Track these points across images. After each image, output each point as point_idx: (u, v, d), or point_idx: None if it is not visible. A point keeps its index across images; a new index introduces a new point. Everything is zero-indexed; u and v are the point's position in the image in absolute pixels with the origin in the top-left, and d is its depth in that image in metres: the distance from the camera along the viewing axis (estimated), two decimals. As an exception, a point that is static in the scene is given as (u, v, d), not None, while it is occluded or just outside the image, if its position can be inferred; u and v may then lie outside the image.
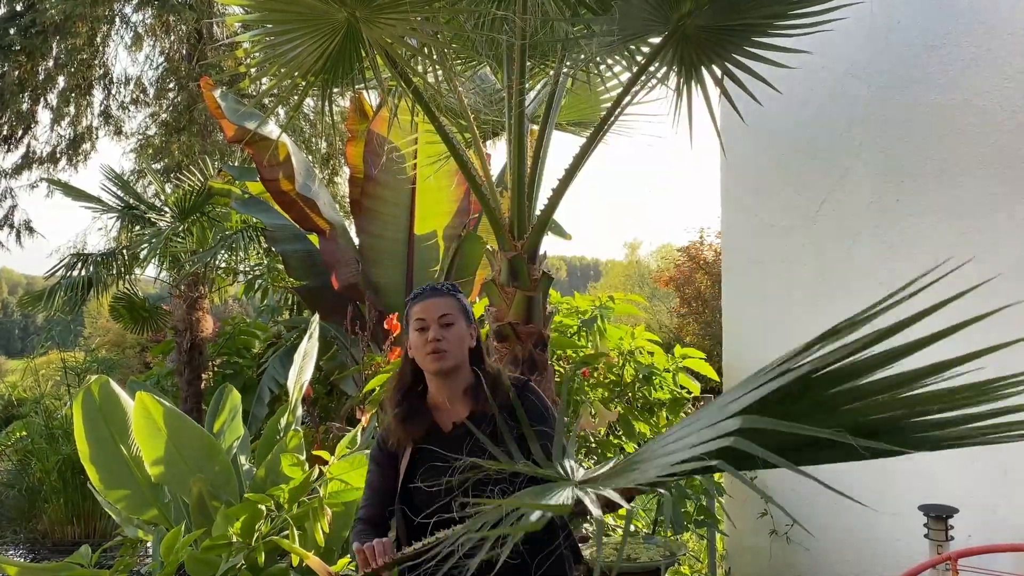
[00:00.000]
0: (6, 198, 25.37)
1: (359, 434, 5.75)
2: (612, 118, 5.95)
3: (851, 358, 2.21)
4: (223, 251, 12.42)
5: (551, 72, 6.73)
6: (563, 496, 2.49)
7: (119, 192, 13.16)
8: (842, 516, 6.25)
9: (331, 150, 25.53)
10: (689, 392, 7.83)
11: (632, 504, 2.42)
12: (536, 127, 6.64)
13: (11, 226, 25.56)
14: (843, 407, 2.24)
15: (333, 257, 11.33)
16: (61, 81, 24.88)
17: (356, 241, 11.67)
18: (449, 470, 3.36)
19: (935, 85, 6.07)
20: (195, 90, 22.04)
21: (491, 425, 3.42)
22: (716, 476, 7.71)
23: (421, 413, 3.58)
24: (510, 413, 3.37)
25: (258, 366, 12.66)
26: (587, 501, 2.38)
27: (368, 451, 4.51)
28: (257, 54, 5.87)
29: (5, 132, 24.73)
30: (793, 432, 2.12)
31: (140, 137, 26.06)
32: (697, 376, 7.96)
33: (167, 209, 13.07)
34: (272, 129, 11.52)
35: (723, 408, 2.37)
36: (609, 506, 2.49)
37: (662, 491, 2.58)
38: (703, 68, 5.69)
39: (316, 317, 7.09)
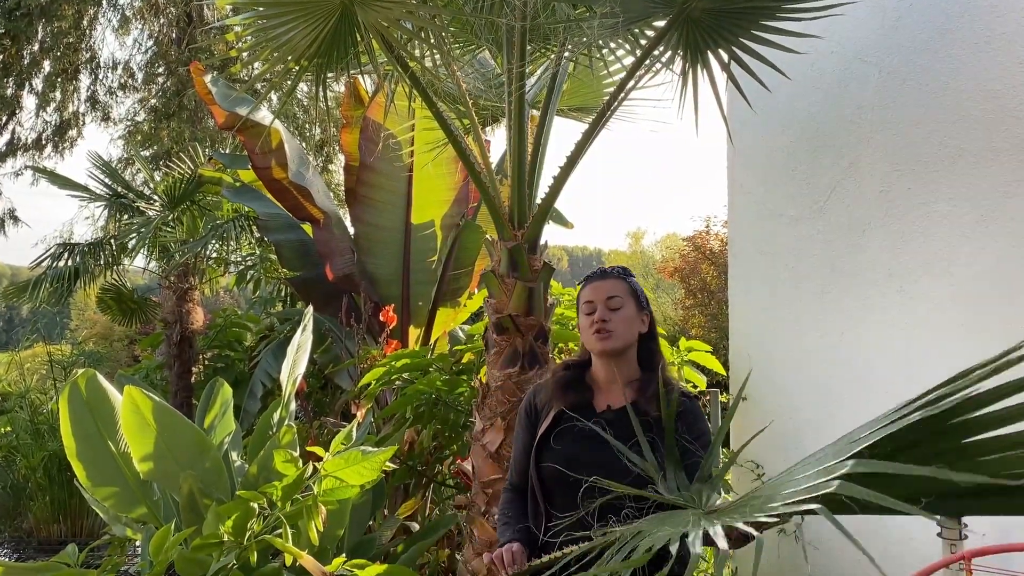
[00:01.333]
0: (-10, 186, 25.43)
1: (354, 430, 5.74)
2: (615, 103, 5.95)
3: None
4: (214, 241, 12.42)
5: (552, 56, 6.73)
6: (690, 525, 2.55)
7: (107, 180, 13.17)
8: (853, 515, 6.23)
9: (325, 137, 25.57)
10: (695, 386, 7.82)
11: (762, 533, 2.43)
12: (537, 113, 6.64)
13: (-5, 215, 25.58)
14: (982, 456, 2.23)
15: (327, 247, 11.32)
16: (47, 65, 24.91)
17: (351, 230, 11.65)
18: (587, 446, 3.51)
19: (947, 69, 6.06)
20: (185, 75, 22.07)
21: (646, 425, 3.43)
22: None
23: (581, 384, 3.73)
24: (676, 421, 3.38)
25: (250, 359, 12.67)
26: (713, 534, 2.44)
27: (363, 446, 4.53)
28: (249, 37, 5.85)
29: (-11, 118, 24.71)
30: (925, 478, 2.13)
31: (128, 123, 26.11)
32: (703, 370, 7.94)
33: (156, 197, 13.08)
34: (264, 115, 11.52)
35: (852, 443, 2.39)
36: (736, 540, 2.54)
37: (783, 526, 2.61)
38: (709, 52, 5.69)
39: (310, 309, 7.08)
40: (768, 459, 6.96)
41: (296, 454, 5.26)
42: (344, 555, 5.12)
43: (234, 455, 6.17)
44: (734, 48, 5.64)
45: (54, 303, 12.98)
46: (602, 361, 3.70)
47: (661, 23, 5.64)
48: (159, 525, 5.49)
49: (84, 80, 25.89)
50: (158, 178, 14.34)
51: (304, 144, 24.45)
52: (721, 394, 7.90)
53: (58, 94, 25.40)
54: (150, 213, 12.76)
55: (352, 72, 6.48)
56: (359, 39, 5.55)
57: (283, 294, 14.62)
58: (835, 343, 6.69)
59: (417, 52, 6.04)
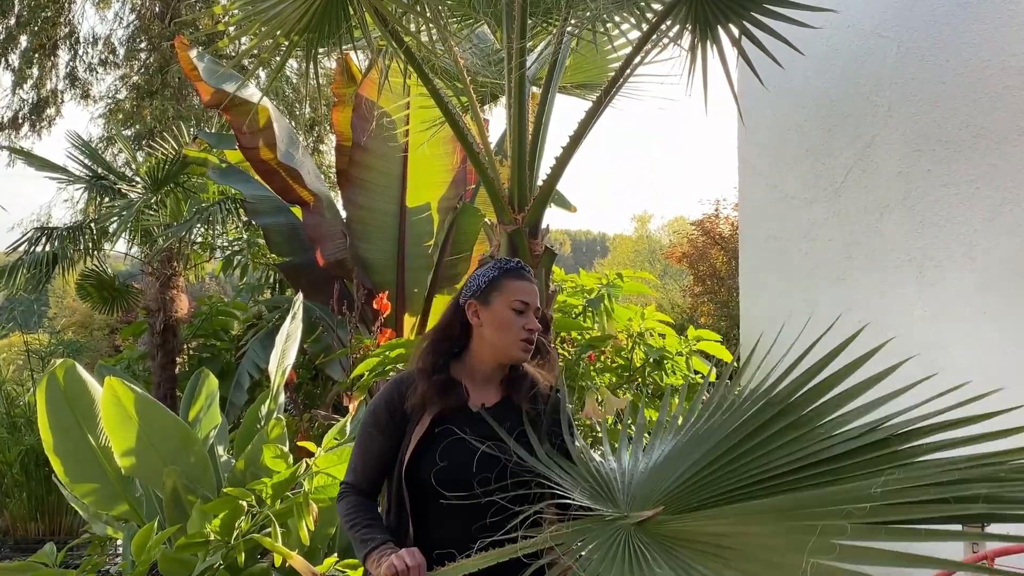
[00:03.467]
0: (-37, 168, 25.47)
1: (347, 423, 5.74)
2: (621, 80, 5.94)
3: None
4: (199, 225, 12.40)
5: (554, 30, 6.72)
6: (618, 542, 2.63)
7: (86, 161, 13.15)
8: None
9: (316, 116, 25.52)
10: (704, 377, 7.81)
11: None
12: (538, 90, 6.63)
13: (-31, 198, 25.60)
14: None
15: (318, 231, 11.31)
16: (23, 41, 24.89)
17: (343, 214, 11.65)
18: (473, 452, 3.30)
19: (969, 45, 6.04)
20: (168, 50, 22.03)
21: (517, 419, 3.41)
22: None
23: (456, 384, 3.48)
24: (548, 416, 3.42)
25: (237, 349, 12.66)
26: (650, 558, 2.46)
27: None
28: (236, 11, 5.86)
29: (-38, 96, 24.71)
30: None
31: (109, 101, 26.08)
32: (711, 359, 7.93)
33: (138, 179, 13.06)
34: (252, 92, 11.48)
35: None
36: None
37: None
38: (719, 27, 5.67)
39: (300, 296, 7.08)
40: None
41: (286, 449, 5.27)
42: (336, 555, 5.13)
43: (220, 450, 6.17)
44: (745, 22, 5.62)
45: (31, 290, 12.97)
46: (496, 362, 3.53)
47: (669, -5, 5.63)
48: (141, 523, 5.49)
49: (63, 56, 25.87)
50: (140, 159, 14.37)
51: (294, 123, 24.41)
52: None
53: (35, 71, 25.38)
54: (132, 195, 12.73)
55: (344, 47, 6.47)
56: (351, 12, 5.54)
57: (271, 280, 14.61)
58: (852, 331, 6.68)
59: (412, 26, 6.03)
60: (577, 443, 3.36)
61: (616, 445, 3.38)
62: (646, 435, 3.51)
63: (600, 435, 3.71)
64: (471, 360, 3.54)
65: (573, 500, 3.02)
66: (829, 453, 2.77)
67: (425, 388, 3.43)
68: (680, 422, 3.36)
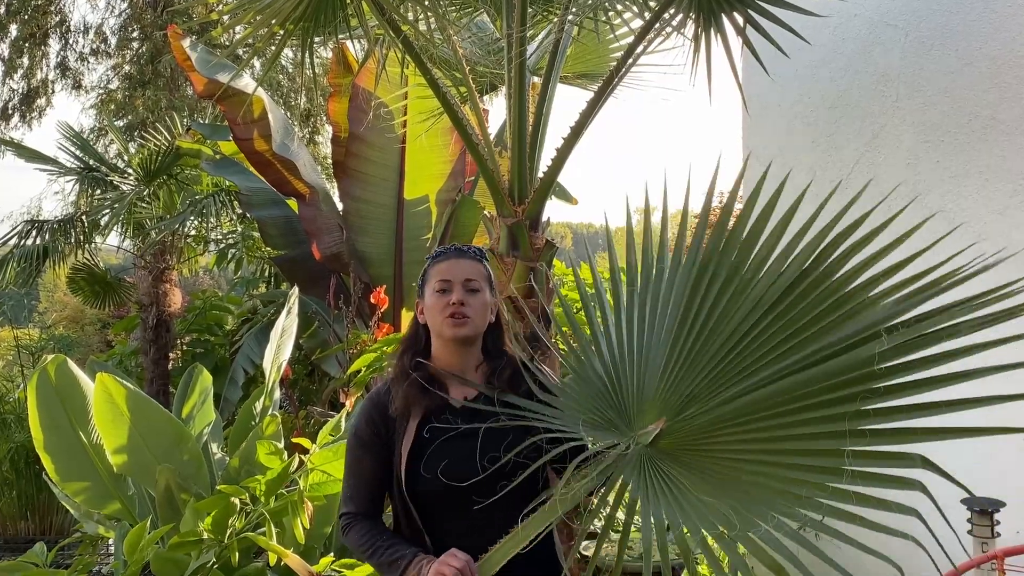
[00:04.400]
0: (-48, 159, 25.46)
1: (343, 420, 5.74)
2: (623, 70, 5.92)
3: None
4: (192, 217, 12.41)
5: (555, 19, 6.71)
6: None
7: (78, 152, 13.14)
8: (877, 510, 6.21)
9: (312, 106, 25.50)
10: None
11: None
12: (539, 80, 6.62)
13: (-43, 190, 25.68)
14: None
15: (314, 224, 11.31)
16: (13, 30, 24.85)
17: (340, 206, 11.65)
18: (469, 446, 3.27)
19: (979, 34, 6.03)
20: (161, 40, 22.00)
21: (502, 405, 3.35)
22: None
23: (436, 383, 3.45)
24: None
25: (231, 344, 12.69)
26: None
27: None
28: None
29: (-48, 86, 24.70)
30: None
31: (101, 91, 26.08)
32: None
33: (131, 171, 13.06)
34: (247, 83, 11.49)
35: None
36: None
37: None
38: (723, 15, 5.66)
39: (295, 290, 7.08)
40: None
41: (281, 446, 5.26)
42: (332, 554, 5.13)
43: (214, 447, 6.17)
44: (750, 11, 5.61)
45: (21, 284, 12.97)
46: (451, 348, 3.49)
47: (672, -17, 5.61)
48: (134, 522, 5.49)
49: (53, 45, 25.86)
50: (133, 150, 14.31)
51: (289, 114, 24.41)
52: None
53: (26, 60, 25.36)
54: (124, 187, 12.74)
55: (341, 37, 6.45)
56: (348, 1, 5.53)
57: (267, 274, 14.63)
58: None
59: (410, 15, 6.02)
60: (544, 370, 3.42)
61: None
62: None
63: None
64: (435, 358, 3.52)
65: (578, 440, 3.08)
66: (770, 298, 2.94)
67: (406, 389, 3.43)
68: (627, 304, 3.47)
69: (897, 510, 2.56)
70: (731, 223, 3.07)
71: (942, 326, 2.64)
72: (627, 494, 2.84)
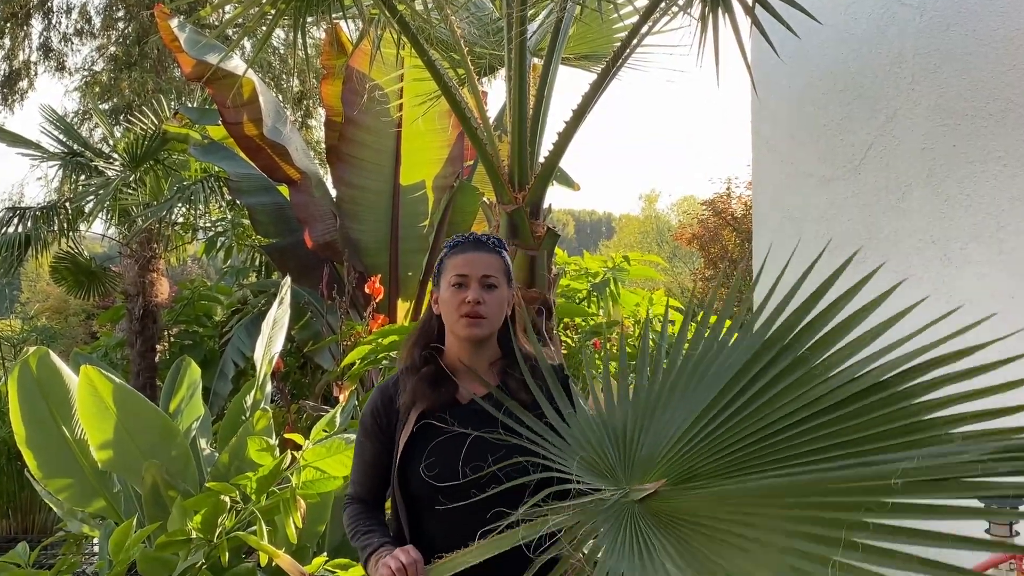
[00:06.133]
0: (-70, 143, 25.51)
1: (337, 414, 5.73)
2: (627, 51, 5.92)
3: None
4: (180, 204, 12.40)
5: (557, -2, 6.70)
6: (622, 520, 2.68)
7: (61, 136, 13.13)
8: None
9: (304, 89, 25.50)
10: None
11: None
12: (539, 61, 6.62)
13: (-63, 176, 25.74)
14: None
15: (307, 211, 11.31)
16: (-6, 10, 24.77)
17: (333, 193, 11.66)
18: (460, 447, 3.27)
19: (997, 12, 6.02)
20: (148, 19, 22.00)
21: (520, 410, 3.28)
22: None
23: (443, 376, 3.46)
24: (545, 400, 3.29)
25: (221, 336, 12.69)
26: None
27: (347, 433, 4.48)
28: (218, -23, 5.83)
29: (-70, 68, 24.70)
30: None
31: (85, 73, 26.07)
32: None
33: (116, 156, 13.05)
34: (237, 64, 11.47)
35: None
36: None
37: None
38: (731, -6, 5.66)
39: (287, 280, 7.08)
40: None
41: (272, 441, 5.26)
42: (325, 554, 5.13)
43: (203, 442, 6.17)
44: (759, -11, 5.62)
45: (2, 274, 12.96)
46: (464, 346, 3.47)
47: (678, -40, 5.61)
48: (119, 520, 5.49)
49: (36, 25, 25.86)
50: (118, 134, 14.30)
51: (280, 97, 24.42)
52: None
53: (7, 41, 25.36)
54: (109, 173, 12.72)
55: (334, 16, 6.44)
56: (341, -21, 5.53)
57: (257, 263, 14.63)
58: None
59: (406, -7, 6.02)
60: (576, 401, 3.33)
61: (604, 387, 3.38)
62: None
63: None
64: (447, 351, 3.52)
65: (568, 475, 3.01)
66: (831, 400, 2.77)
67: (414, 383, 3.44)
68: (665, 363, 3.36)
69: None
70: (814, 312, 2.98)
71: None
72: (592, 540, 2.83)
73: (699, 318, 3.28)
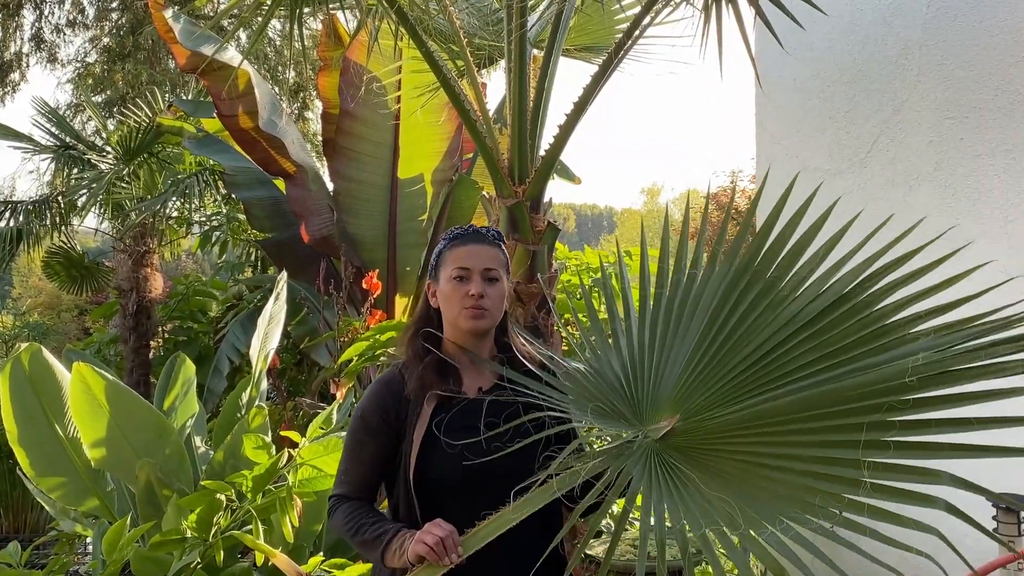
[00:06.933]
0: (-79, 136, 25.52)
1: (334, 412, 5.73)
2: (629, 42, 5.91)
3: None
4: (175, 198, 12.40)
5: (557, -12, 6.69)
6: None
7: (53, 129, 13.14)
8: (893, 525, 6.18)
9: (300, 81, 25.49)
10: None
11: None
12: (540, 53, 6.61)
13: (-74, 169, 25.78)
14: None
15: (303, 205, 11.30)
16: (-16, 0, 24.75)
17: (330, 186, 11.64)
18: (482, 433, 3.26)
19: (1005, 3, 6.02)
20: (142, 10, 22.00)
21: (524, 404, 3.31)
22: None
23: (448, 367, 3.48)
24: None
25: (216, 332, 12.69)
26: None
27: (343, 431, 4.46)
28: (213, -33, 5.82)
29: (-80, 59, 24.69)
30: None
31: (78, 65, 26.06)
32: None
33: (109, 149, 13.06)
34: (232, 56, 11.46)
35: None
36: None
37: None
38: (735, -16, 5.66)
39: (283, 275, 7.08)
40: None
41: (268, 439, 5.26)
42: (322, 553, 5.13)
43: (197, 440, 6.17)
44: (763, -20, 5.61)
45: (-6, 269, 12.96)
46: (464, 338, 3.50)
47: (681, -50, 5.60)
48: (113, 519, 5.49)
49: (28, 16, 25.84)
50: (111, 127, 14.33)
51: (277, 89, 24.41)
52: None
53: (-2, 32, 25.34)
54: (102, 167, 12.73)
55: (331, 7, 6.45)
56: (338, -31, 5.53)
57: (253, 258, 14.63)
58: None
59: (404, -16, 6.01)
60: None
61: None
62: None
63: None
64: (447, 344, 3.54)
65: (583, 424, 3.12)
66: (804, 318, 2.98)
67: (421, 372, 3.43)
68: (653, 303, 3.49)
69: (913, 526, 2.57)
70: (772, 235, 3.08)
71: (984, 363, 2.65)
72: (629, 487, 2.86)
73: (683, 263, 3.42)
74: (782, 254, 3.14)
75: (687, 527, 2.73)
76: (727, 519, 2.67)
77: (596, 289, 8.72)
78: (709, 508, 2.72)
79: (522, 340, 3.61)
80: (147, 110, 13.10)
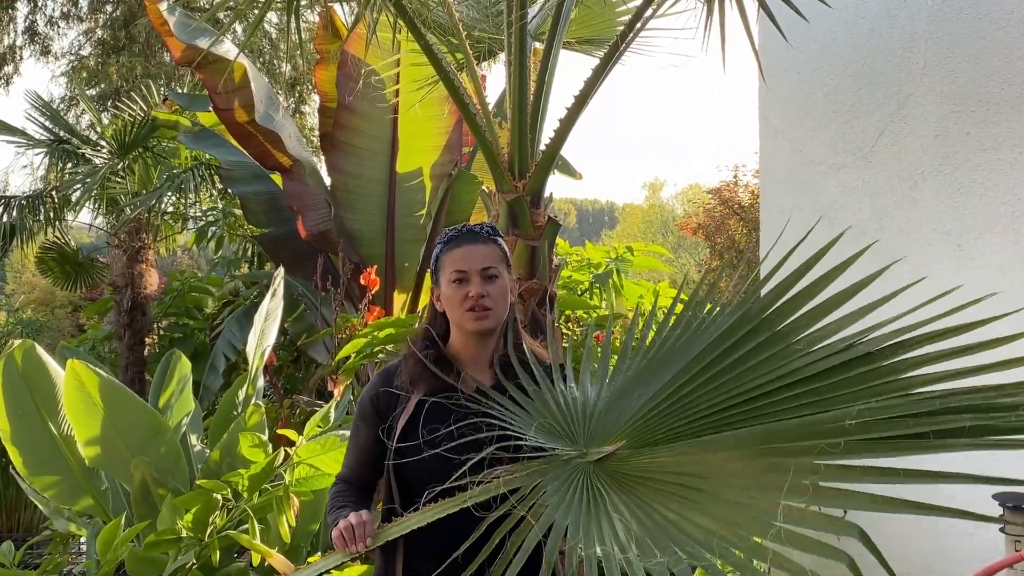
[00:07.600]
0: (-87, 130, 25.51)
1: (332, 409, 5.72)
2: (631, 35, 5.91)
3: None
4: (170, 193, 12.39)
5: (558, -20, 6.69)
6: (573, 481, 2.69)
7: (47, 123, 13.13)
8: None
9: (297, 74, 25.48)
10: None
11: None
12: (540, 46, 6.61)
13: (-81, 163, 25.83)
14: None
15: (300, 200, 11.30)
16: (-23, -8, 24.75)
17: (327, 181, 11.64)
18: (452, 436, 3.32)
19: (1013, -5, 6.02)
20: (136, 2, 21.97)
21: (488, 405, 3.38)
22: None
23: (445, 362, 3.53)
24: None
25: (212, 329, 12.69)
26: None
27: (341, 429, 4.48)
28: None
29: (-88, 52, 24.70)
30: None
31: (72, 58, 26.07)
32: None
33: (104, 143, 13.05)
34: (228, 49, 11.46)
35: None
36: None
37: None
38: (738, -24, 5.65)
39: (280, 271, 7.08)
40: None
41: (265, 438, 5.26)
42: (319, 553, 5.13)
43: (193, 439, 6.18)
44: (767, -30, 5.60)
45: (-13, 264, 12.97)
46: (470, 339, 3.55)
47: (683, -60, 5.60)
48: (107, 519, 5.49)
49: (21, 8, 25.84)
50: (106, 121, 14.29)
51: (273, 82, 24.38)
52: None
53: (-9, 24, 25.34)
54: (97, 161, 12.73)
55: (328, -1, 6.44)
56: (335, -40, 5.52)
57: (249, 254, 14.62)
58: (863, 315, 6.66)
59: (402, -25, 6.01)
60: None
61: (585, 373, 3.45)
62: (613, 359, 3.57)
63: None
64: (452, 344, 3.59)
65: (525, 441, 3.13)
66: (808, 372, 2.86)
67: (412, 364, 3.51)
68: (647, 345, 3.45)
69: (822, 554, 2.57)
70: (795, 290, 3.05)
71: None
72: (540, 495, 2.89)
73: (693, 305, 3.38)
74: (779, 302, 3.15)
75: (583, 546, 2.73)
76: (629, 542, 2.68)
77: (598, 287, 8.73)
78: (613, 529, 2.73)
79: (530, 340, 3.65)
80: (142, 104, 13.10)
